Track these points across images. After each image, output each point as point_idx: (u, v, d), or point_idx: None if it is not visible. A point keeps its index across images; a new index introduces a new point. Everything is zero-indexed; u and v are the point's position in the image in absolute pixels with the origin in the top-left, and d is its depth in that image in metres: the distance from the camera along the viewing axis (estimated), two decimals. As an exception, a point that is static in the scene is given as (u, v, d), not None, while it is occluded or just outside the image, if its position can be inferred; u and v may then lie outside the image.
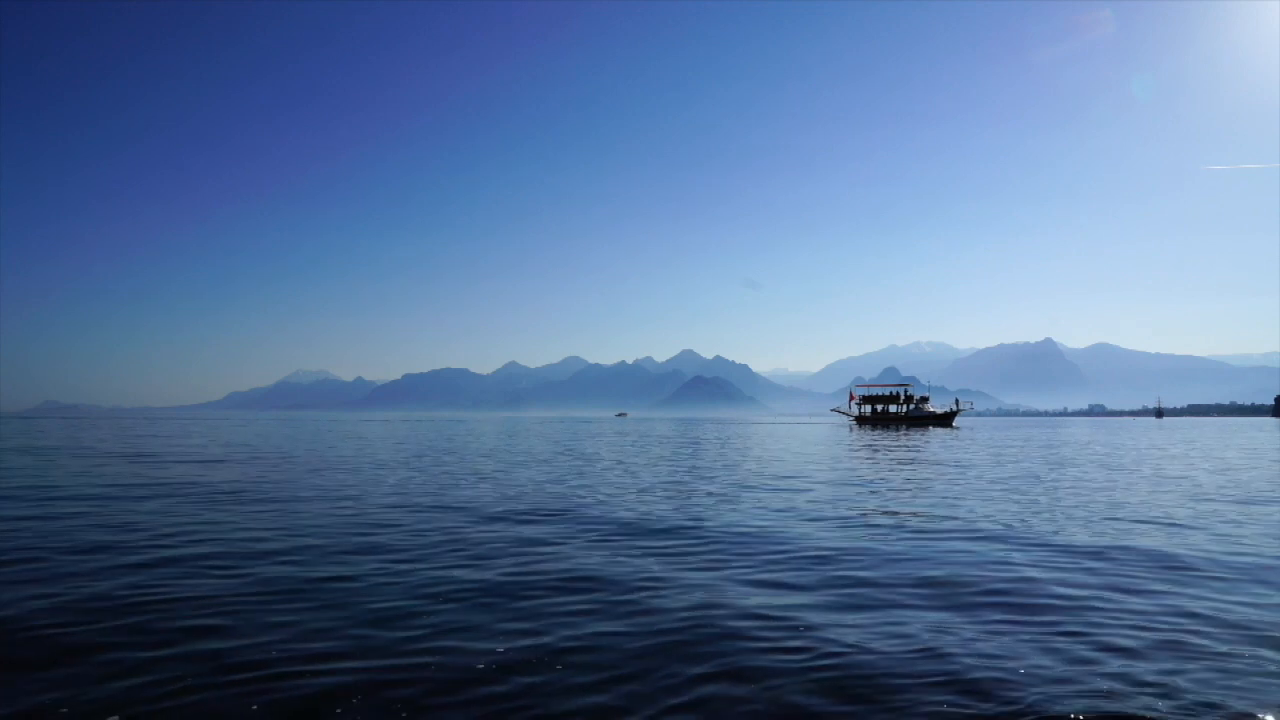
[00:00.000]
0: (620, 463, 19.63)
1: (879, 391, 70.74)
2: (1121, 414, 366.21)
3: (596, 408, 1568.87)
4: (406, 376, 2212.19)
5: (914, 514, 9.94)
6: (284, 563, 6.71)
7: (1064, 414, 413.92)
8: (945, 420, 65.94)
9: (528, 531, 8.47)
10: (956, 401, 68.48)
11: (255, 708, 3.59)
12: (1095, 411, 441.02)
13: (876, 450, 25.62)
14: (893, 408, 68.42)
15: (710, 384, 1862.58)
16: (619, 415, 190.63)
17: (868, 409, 69.92)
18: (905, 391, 68.81)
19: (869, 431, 46.85)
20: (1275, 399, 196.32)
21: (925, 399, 68.74)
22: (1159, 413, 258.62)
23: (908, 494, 12.34)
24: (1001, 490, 12.92)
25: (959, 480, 14.75)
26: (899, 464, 19.14)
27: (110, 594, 5.59)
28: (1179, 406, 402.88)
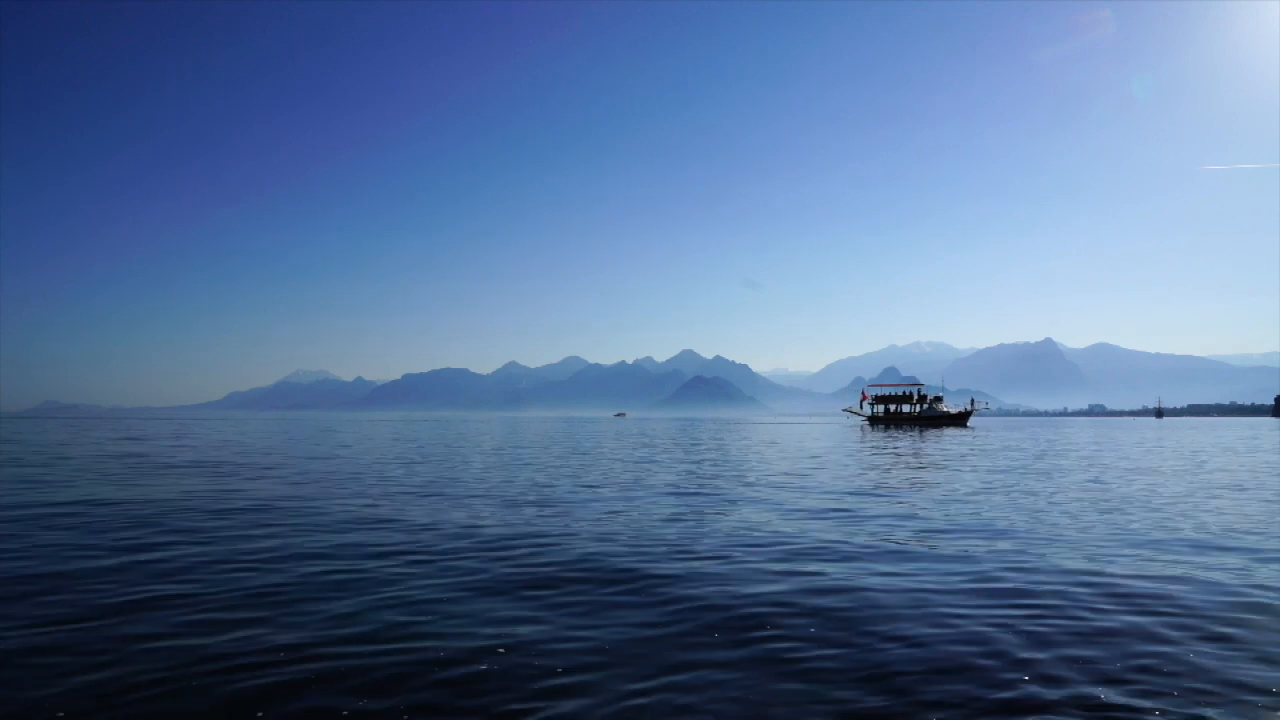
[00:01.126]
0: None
1: (891, 391, 70.17)
2: (1121, 414, 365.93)
3: (596, 408, 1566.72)
4: (406, 376, 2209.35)
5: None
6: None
7: (1064, 414, 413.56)
8: (960, 420, 65.44)
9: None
10: (972, 401, 68.00)
11: None
12: (1095, 411, 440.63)
13: (921, 456, 25.41)
14: (905, 408, 67.86)
15: (710, 384, 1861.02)
16: (618, 415, 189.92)
17: (880, 409, 69.38)
18: (918, 391, 68.17)
19: (883, 432, 46.57)
20: (1275, 399, 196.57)
21: (939, 399, 68.05)
22: (1159, 413, 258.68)
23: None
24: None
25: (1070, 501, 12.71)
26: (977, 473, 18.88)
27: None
28: (1179, 406, 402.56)
